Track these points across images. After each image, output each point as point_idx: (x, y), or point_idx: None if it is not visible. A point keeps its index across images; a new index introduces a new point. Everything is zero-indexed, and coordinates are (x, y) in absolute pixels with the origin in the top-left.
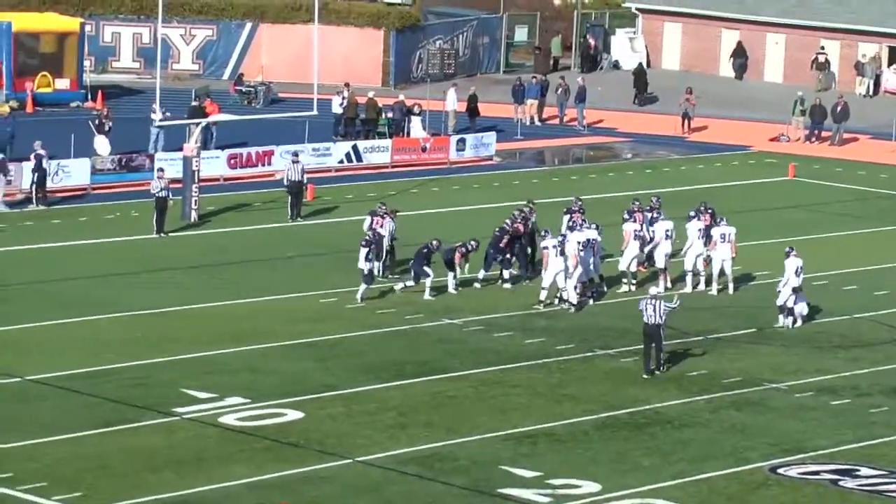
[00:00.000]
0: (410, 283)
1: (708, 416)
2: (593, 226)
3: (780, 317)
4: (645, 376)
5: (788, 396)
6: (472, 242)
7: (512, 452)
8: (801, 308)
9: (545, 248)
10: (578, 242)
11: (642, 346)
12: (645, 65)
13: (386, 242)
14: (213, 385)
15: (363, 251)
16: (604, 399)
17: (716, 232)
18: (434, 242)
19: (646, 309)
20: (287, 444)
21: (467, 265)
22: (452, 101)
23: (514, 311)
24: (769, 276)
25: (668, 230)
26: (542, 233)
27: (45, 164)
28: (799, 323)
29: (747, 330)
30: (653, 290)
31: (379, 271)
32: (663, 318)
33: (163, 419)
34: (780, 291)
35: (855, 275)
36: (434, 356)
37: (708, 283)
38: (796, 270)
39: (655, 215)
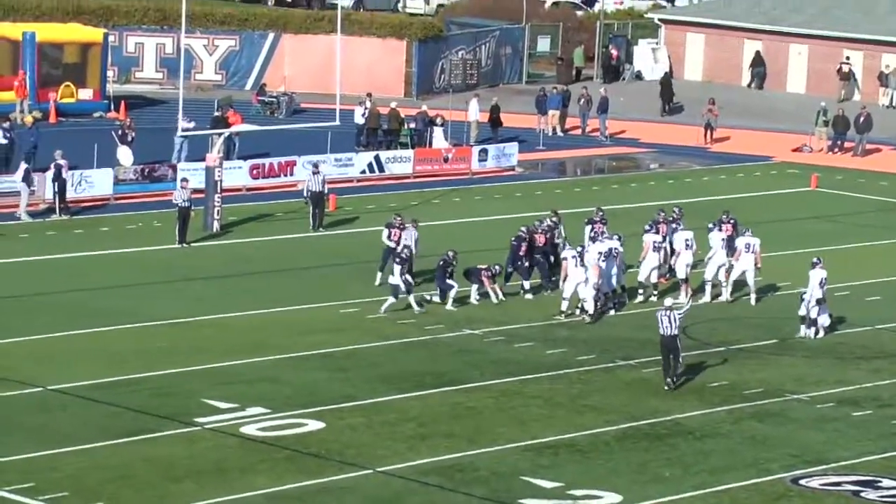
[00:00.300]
0: (436, 298)
1: (729, 426)
2: (615, 236)
3: (802, 327)
4: (666, 388)
5: (810, 407)
6: (497, 266)
7: (532, 463)
8: (824, 319)
9: (565, 258)
10: (599, 253)
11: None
12: (661, 78)
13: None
14: (233, 395)
15: (397, 268)
16: (625, 410)
17: (740, 242)
18: (450, 253)
19: (661, 321)
20: (307, 454)
21: (499, 287)
22: (475, 112)
23: (535, 322)
24: (791, 286)
25: (687, 240)
26: (562, 244)
27: (64, 173)
28: (821, 334)
29: (769, 341)
30: (668, 302)
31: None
32: (679, 329)
33: (184, 429)
34: (802, 301)
35: (877, 285)
36: (454, 367)
37: (718, 294)
38: (820, 282)
39: (675, 226)
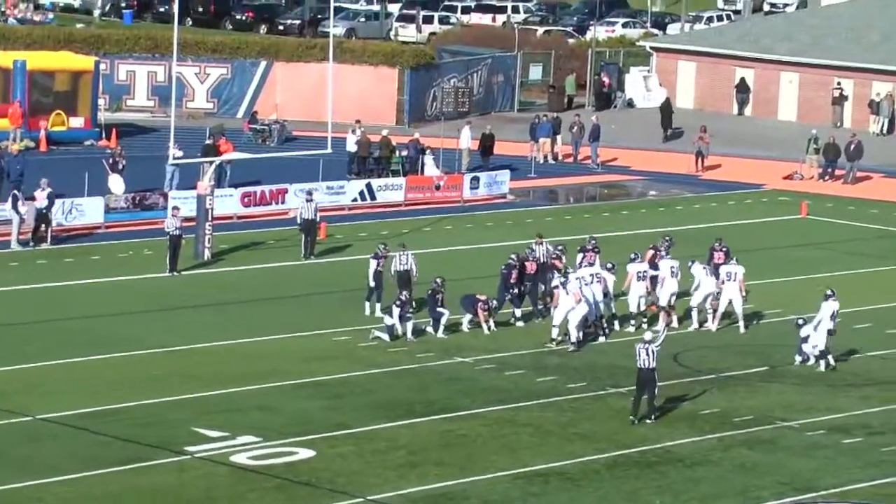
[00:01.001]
0: (430, 328)
1: (719, 454)
2: (607, 265)
3: (812, 358)
4: (633, 423)
5: (800, 435)
6: (494, 301)
7: (523, 491)
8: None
9: (555, 286)
10: (579, 279)
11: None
12: (661, 104)
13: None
14: (224, 424)
15: (397, 311)
16: (615, 438)
17: (723, 270)
18: (438, 280)
19: (639, 354)
20: (298, 482)
21: (492, 321)
22: (466, 140)
23: (525, 350)
24: (781, 314)
25: (672, 268)
26: (552, 273)
27: (49, 201)
28: (832, 363)
29: (759, 368)
30: (647, 336)
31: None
32: (655, 363)
33: (173, 458)
34: (815, 330)
35: (867, 313)
36: (445, 395)
37: (704, 320)
38: (832, 314)
39: (661, 254)
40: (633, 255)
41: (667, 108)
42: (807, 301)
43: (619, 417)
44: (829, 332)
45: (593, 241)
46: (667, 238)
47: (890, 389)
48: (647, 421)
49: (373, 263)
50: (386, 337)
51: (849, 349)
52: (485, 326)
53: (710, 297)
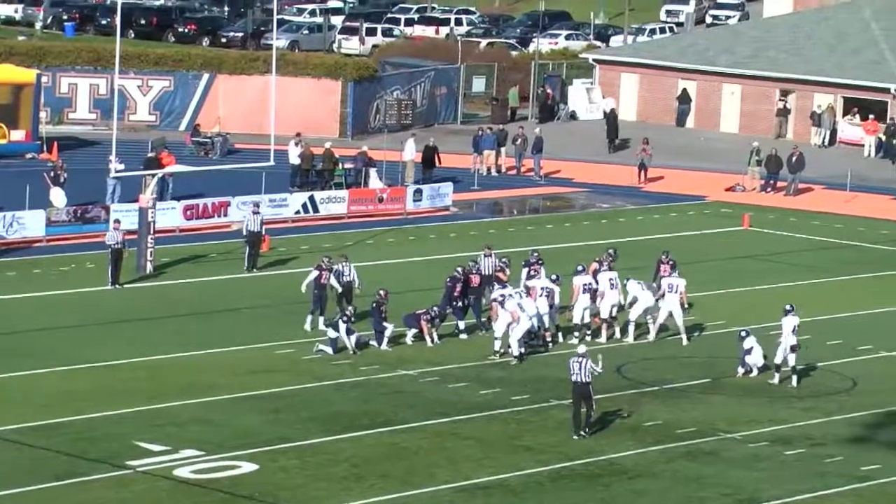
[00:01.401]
0: (373, 342)
1: (662, 466)
2: (552, 277)
3: (776, 375)
4: (574, 437)
5: (742, 446)
6: (435, 309)
7: None
8: (757, 359)
9: (494, 299)
10: (517, 294)
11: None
12: (607, 114)
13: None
14: (166, 437)
15: (343, 326)
16: (558, 450)
17: (664, 283)
18: (381, 293)
19: (572, 368)
20: (241, 496)
21: (436, 332)
22: (410, 152)
23: (468, 362)
24: (723, 326)
25: (611, 280)
26: (492, 286)
27: None
28: (794, 383)
29: (702, 380)
30: (581, 349)
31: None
32: (590, 377)
33: (115, 472)
34: (778, 346)
35: (809, 325)
36: (388, 407)
37: (624, 331)
38: (793, 329)
39: (601, 267)
40: (578, 268)
41: (613, 119)
42: (749, 313)
43: (563, 430)
44: (793, 348)
45: (536, 254)
46: (611, 251)
47: (831, 401)
48: (582, 434)
49: (313, 275)
50: (329, 350)
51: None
52: (428, 339)
53: (649, 311)
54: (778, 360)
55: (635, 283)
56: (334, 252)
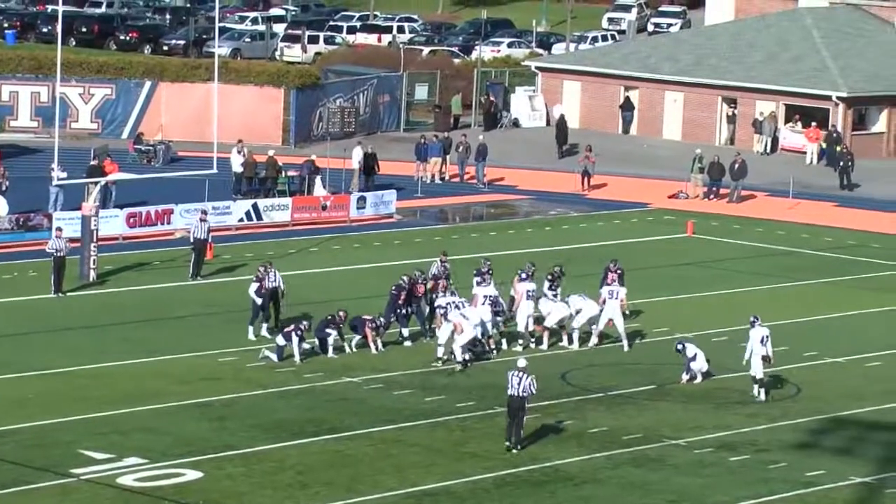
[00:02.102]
0: (316, 349)
1: (608, 472)
2: (495, 282)
3: (755, 387)
4: (507, 450)
5: (688, 453)
6: (381, 319)
7: None
8: (701, 365)
9: (437, 306)
10: (458, 305)
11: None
12: (557, 120)
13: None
14: (110, 445)
15: (296, 338)
16: (504, 457)
17: (605, 290)
18: (341, 314)
19: (510, 381)
20: None
21: (380, 340)
22: (358, 159)
23: (413, 369)
24: (667, 332)
25: (529, 291)
26: (449, 291)
27: None
28: (762, 396)
29: (647, 386)
30: (521, 363)
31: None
32: (527, 393)
33: (59, 480)
34: (747, 362)
35: None
36: (333, 415)
37: (570, 339)
38: (762, 339)
39: (522, 276)
40: (522, 275)
41: (563, 125)
42: (693, 319)
43: None
44: (764, 359)
45: (488, 264)
46: (530, 263)
47: (776, 407)
48: (514, 451)
49: (254, 286)
50: (275, 357)
51: (734, 367)
52: (372, 346)
53: (593, 321)
54: (758, 374)
55: (576, 296)
56: (279, 261)
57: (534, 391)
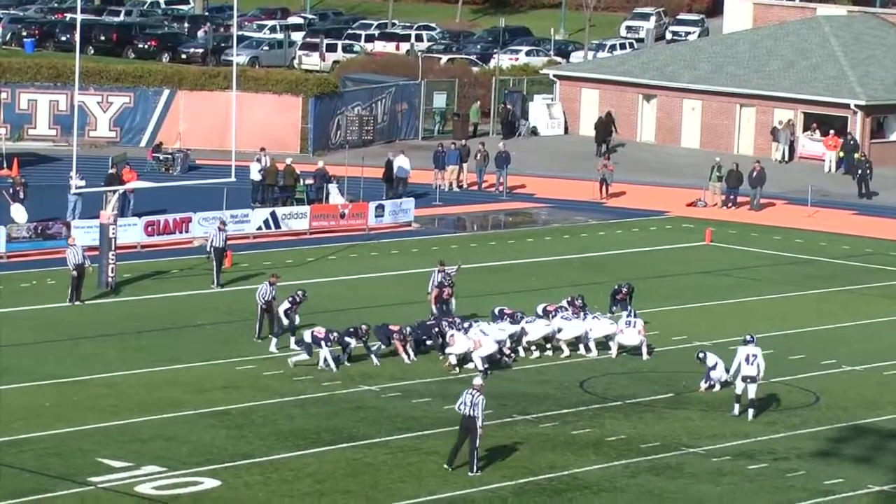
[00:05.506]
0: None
1: (626, 480)
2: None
3: (737, 406)
4: (446, 467)
5: (706, 461)
6: (408, 328)
7: None
8: (721, 374)
9: (451, 335)
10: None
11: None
12: (602, 118)
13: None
14: (128, 454)
15: (326, 349)
16: (522, 465)
17: (621, 322)
18: (363, 327)
19: (464, 399)
20: None
21: (411, 349)
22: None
23: (431, 378)
24: (685, 340)
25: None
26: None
27: None
28: (750, 416)
29: (665, 395)
30: (477, 381)
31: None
32: (478, 411)
33: (77, 489)
34: (730, 381)
35: (771, 339)
36: (351, 423)
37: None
38: (747, 358)
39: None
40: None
41: (606, 123)
42: (711, 328)
43: (527, 444)
44: (752, 379)
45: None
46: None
47: (795, 415)
48: (470, 474)
49: (285, 304)
50: (305, 356)
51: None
52: (404, 356)
53: (580, 340)
54: (738, 390)
55: (594, 318)
56: (297, 269)
57: (479, 413)
